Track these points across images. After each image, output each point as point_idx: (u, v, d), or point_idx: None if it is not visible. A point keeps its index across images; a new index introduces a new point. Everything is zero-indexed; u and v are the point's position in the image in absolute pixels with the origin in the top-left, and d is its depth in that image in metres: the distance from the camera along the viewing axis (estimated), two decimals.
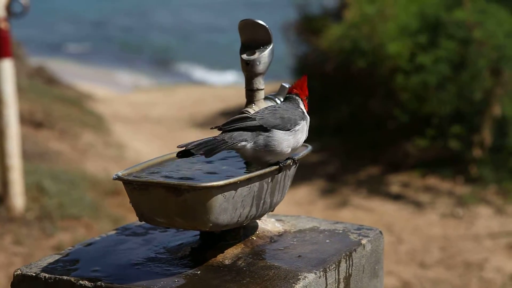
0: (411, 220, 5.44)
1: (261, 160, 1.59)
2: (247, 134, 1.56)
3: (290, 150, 1.60)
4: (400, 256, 4.81)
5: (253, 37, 1.70)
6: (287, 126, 1.59)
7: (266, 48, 1.70)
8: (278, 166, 1.59)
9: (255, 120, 1.57)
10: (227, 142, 1.53)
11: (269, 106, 1.66)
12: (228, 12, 21.99)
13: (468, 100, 6.07)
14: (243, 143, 1.56)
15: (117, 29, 20.71)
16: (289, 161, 1.63)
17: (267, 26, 1.68)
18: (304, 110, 1.69)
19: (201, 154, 1.50)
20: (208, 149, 1.50)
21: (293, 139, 1.60)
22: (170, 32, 19.85)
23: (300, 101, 1.69)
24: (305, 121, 1.65)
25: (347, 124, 7.22)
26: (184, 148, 1.50)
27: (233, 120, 1.58)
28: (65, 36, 19.25)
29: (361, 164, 6.59)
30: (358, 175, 6.42)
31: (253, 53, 1.70)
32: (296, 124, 1.62)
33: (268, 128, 1.57)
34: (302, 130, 1.63)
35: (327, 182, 6.33)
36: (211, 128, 1.59)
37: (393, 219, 5.46)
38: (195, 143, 1.51)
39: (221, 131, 1.56)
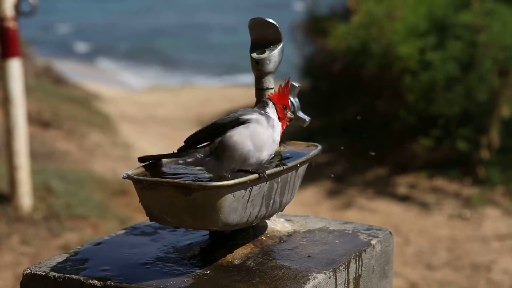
0: (418, 222, 5.43)
1: (224, 167, 1.55)
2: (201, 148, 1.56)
3: (252, 145, 1.54)
4: (407, 258, 4.80)
5: (263, 36, 1.69)
6: (239, 121, 1.55)
7: (276, 46, 1.70)
8: (257, 174, 1.52)
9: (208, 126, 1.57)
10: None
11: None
12: (237, 11, 22.01)
13: (476, 101, 6.06)
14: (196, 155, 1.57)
15: (124, 30, 20.76)
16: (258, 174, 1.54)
17: (277, 25, 1.67)
18: (271, 114, 1.61)
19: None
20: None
21: (248, 131, 1.54)
22: (179, 32, 19.88)
23: (271, 105, 1.63)
24: (263, 117, 1.58)
25: (354, 124, 7.21)
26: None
27: (188, 138, 1.59)
28: (71, 37, 19.30)
29: (368, 165, 6.58)
30: (365, 176, 6.41)
31: (263, 52, 1.70)
32: (248, 120, 1.55)
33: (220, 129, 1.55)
34: (262, 124, 1.57)
35: (333, 183, 6.32)
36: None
37: (400, 220, 5.45)
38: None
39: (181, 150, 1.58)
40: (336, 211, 5.70)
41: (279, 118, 1.63)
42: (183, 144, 1.58)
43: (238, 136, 1.54)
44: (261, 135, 1.56)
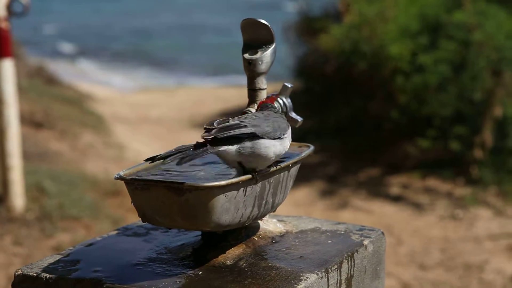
0: (411, 222, 5.44)
1: (243, 164, 1.55)
2: (234, 141, 1.53)
3: (275, 157, 1.57)
4: (400, 258, 4.80)
5: (255, 36, 1.69)
6: (277, 133, 1.57)
7: (269, 47, 1.70)
8: (250, 175, 1.53)
9: (247, 127, 1.54)
10: (207, 150, 1.50)
11: (256, 113, 1.63)
12: (229, 12, 22.03)
13: (469, 101, 6.07)
14: (226, 147, 1.52)
15: (118, 30, 20.73)
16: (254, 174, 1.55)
17: (269, 25, 1.68)
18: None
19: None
20: (181, 157, 1.48)
21: (280, 146, 1.58)
22: (172, 33, 19.87)
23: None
24: (290, 129, 1.64)
25: (347, 125, 7.22)
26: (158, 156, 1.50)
27: (224, 127, 1.53)
28: (64, 37, 19.26)
29: (361, 165, 6.59)
30: (357, 176, 6.42)
31: (255, 53, 1.70)
32: (285, 131, 1.60)
33: (260, 135, 1.55)
34: (289, 137, 1.62)
35: (326, 183, 6.32)
36: (205, 127, 1.55)
37: (393, 221, 5.46)
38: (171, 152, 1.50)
39: (211, 139, 1.52)
40: (329, 211, 5.70)
41: None
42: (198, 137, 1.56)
43: (273, 148, 1.56)
44: (286, 148, 1.61)
